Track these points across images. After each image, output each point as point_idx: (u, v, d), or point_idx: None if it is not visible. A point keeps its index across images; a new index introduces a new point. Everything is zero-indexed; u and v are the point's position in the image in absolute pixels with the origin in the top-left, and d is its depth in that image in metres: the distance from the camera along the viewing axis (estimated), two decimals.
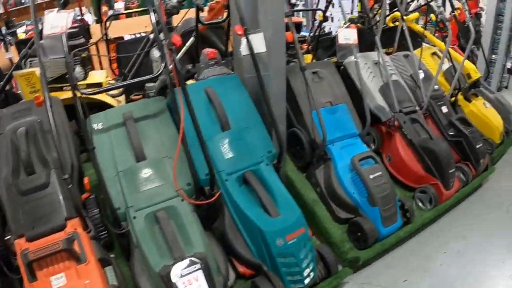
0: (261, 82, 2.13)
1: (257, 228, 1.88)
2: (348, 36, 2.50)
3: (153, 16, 1.93)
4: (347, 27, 2.52)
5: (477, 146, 2.85)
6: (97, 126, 2.16)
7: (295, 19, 4.20)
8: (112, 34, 3.80)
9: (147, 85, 2.64)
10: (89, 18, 5.15)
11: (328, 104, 2.60)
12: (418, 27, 3.54)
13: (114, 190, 1.92)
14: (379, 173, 2.29)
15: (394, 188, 2.36)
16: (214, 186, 1.99)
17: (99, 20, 4.09)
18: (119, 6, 5.35)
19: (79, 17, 4.96)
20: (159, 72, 2.06)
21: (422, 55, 3.43)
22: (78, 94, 1.95)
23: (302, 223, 1.95)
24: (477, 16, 4.76)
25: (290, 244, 1.84)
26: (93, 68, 3.42)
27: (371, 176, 2.26)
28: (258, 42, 2.16)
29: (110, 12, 5.06)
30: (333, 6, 5.95)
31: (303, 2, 5.67)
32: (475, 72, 3.45)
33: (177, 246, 1.71)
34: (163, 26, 2.03)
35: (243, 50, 2.18)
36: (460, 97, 3.38)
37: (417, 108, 2.87)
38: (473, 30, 3.09)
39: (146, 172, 2.00)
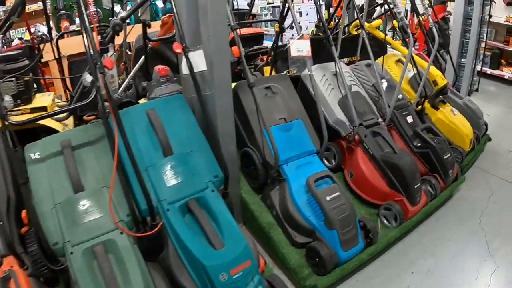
0: (201, 102, 1.96)
1: (199, 262, 1.71)
2: (301, 47, 2.35)
3: (85, 37, 1.80)
4: (299, 38, 2.37)
5: (445, 157, 2.70)
6: (34, 155, 1.97)
7: (254, 30, 4.06)
8: (69, 51, 3.62)
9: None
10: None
11: (282, 121, 2.43)
12: (381, 34, 3.41)
13: (52, 224, 1.77)
14: (337, 193, 2.12)
15: (354, 209, 2.18)
16: (156, 216, 1.85)
17: (61, 36, 3.92)
18: None
19: (40, 33, 4.74)
20: (90, 98, 1.91)
21: (386, 63, 3.30)
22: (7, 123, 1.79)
23: (248, 255, 1.77)
24: (445, 20, 4.67)
25: (235, 278, 1.67)
26: (47, 90, 3.22)
27: (328, 198, 2.09)
28: (199, 60, 1.99)
29: (73, 27, 4.86)
30: (300, 15, 5.92)
31: (271, 12, 5.58)
32: (441, 78, 3.32)
33: (114, 284, 1.59)
34: (94, 48, 1.88)
35: (184, 69, 2.02)
36: (427, 105, 3.25)
37: (380, 120, 2.72)
38: (437, 35, 2.97)
39: (84, 204, 1.84)
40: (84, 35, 1.81)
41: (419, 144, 2.76)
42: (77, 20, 5.02)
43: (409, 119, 2.90)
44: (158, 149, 2.01)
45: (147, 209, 1.84)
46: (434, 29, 3.05)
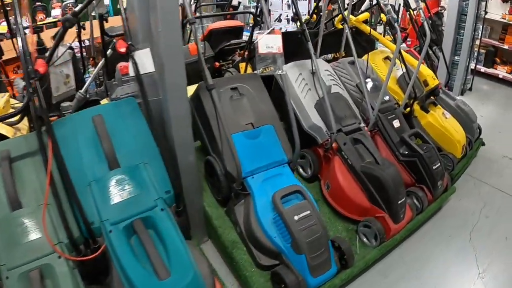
0: (147, 108, 1.67)
1: None
2: (270, 43, 2.04)
3: (19, 39, 1.62)
4: (269, 32, 2.07)
5: (434, 167, 2.41)
6: None
7: (233, 22, 3.74)
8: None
9: (63, 105, 2.23)
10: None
11: (249, 127, 2.13)
12: (367, 28, 3.10)
13: None
14: (307, 212, 1.83)
15: (326, 229, 1.89)
16: (97, 238, 1.63)
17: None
18: (57, 13, 4.78)
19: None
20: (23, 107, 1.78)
21: (372, 60, 3.00)
22: None
23: (196, 286, 1.52)
24: (438, 15, 4.37)
25: None
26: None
27: (296, 217, 1.80)
28: (146, 60, 1.70)
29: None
30: (288, 8, 5.57)
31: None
32: (432, 78, 3.03)
33: None
34: (26, 50, 1.62)
35: (130, 70, 1.72)
36: (416, 107, 2.96)
37: (362, 125, 2.43)
38: (429, 31, 2.67)
39: (21, 223, 1.62)
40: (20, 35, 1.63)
41: (406, 152, 2.47)
42: (53, 12, 4.67)
43: (396, 123, 2.61)
44: (104, 162, 1.74)
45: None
46: (425, 25, 2.75)
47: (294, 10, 2.29)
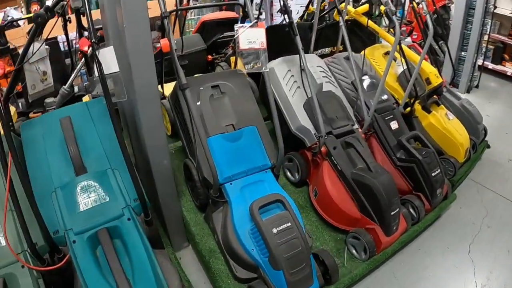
0: (110, 112, 1.49)
1: None
2: (253, 38, 1.84)
3: None
4: (252, 25, 1.87)
5: (433, 174, 2.20)
6: None
7: (227, 14, 3.52)
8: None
9: (47, 101, 2.10)
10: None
11: (230, 128, 1.94)
12: (364, 20, 2.87)
13: None
14: (287, 224, 1.65)
15: (308, 243, 1.71)
16: (60, 248, 1.52)
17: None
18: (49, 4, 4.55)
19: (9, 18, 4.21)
20: None
21: (371, 55, 2.79)
22: None
23: None
24: (445, 8, 4.09)
25: None
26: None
27: (275, 230, 1.62)
28: (110, 60, 1.51)
29: None
30: None
31: None
32: (435, 76, 2.80)
33: None
34: None
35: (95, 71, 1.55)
36: (417, 107, 2.74)
37: (356, 127, 2.23)
38: (432, 25, 2.45)
39: None
40: None
41: (403, 157, 2.27)
42: (47, 3, 4.42)
43: (394, 124, 2.40)
44: (70, 167, 1.62)
45: (56, 238, 1.51)
46: (428, 18, 2.52)
47: (281, 2, 2.07)
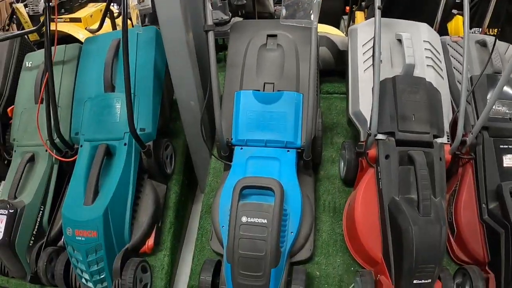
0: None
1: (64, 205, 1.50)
2: None
3: None
4: None
5: None
6: None
7: None
8: None
9: None
10: None
11: (269, 87, 1.53)
12: None
13: None
14: (262, 220, 1.23)
15: (278, 253, 1.25)
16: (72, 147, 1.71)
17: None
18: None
19: None
20: None
21: None
22: None
23: (95, 226, 1.41)
24: None
25: (77, 239, 1.41)
26: None
27: (244, 219, 1.24)
28: None
29: None
30: None
31: None
32: None
33: (13, 189, 1.61)
34: None
35: None
36: None
37: (444, 140, 1.47)
38: None
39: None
40: None
41: (495, 212, 1.43)
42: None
43: (509, 159, 1.51)
44: (102, 83, 1.66)
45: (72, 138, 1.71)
46: None
47: None
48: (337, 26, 2.52)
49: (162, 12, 1.40)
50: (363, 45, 1.54)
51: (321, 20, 1.49)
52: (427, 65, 1.53)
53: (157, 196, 1.65)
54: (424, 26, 1.61)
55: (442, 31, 1.87)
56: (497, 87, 1.28)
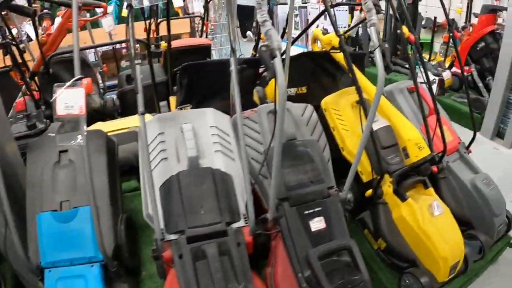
0: None
1: None
2: (71, 101, 1.24)
3: None
4: (70, 85, 1.25)
5: None
6: None
7: (197, 41, 2.86)
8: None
9: None
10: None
11: (66, 205, 1.46)
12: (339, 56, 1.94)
13: None
14: None
15: None
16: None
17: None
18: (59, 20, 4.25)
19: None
20: None
21: (334, 104, 1.93)
22: None
23: None
24: (494, 36, 2.70)
25: None
26: None
27: None
28: None
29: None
30: (325, 18, 4.47)
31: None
32: (417, 147, 1.75)
33: None
34: None
35: None
36: (388, 189, 1.75)
37: (240, 224, 1.41)
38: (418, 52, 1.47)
39: None
40: None
41: (311, 280, 1.40)
42: (57, 20, 4.19)
43: (316, 223, 1.50)
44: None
45: None
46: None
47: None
48: None
49: None
50: (150, 143, 1.51)
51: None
52: (215, 150, 1.53)
53: None
54: (210, 111, 1.64)
55: None
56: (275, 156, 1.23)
